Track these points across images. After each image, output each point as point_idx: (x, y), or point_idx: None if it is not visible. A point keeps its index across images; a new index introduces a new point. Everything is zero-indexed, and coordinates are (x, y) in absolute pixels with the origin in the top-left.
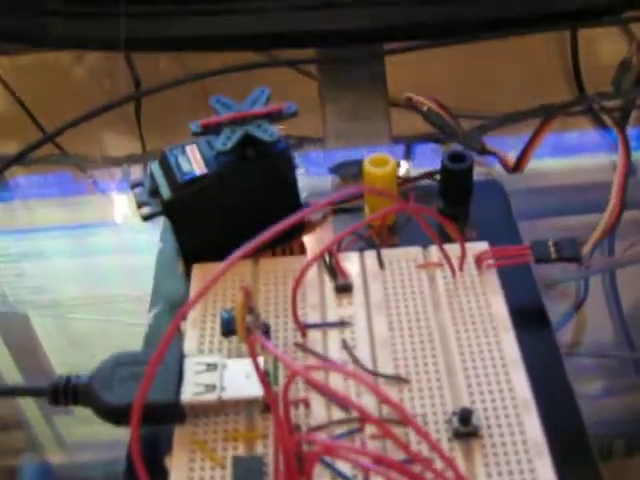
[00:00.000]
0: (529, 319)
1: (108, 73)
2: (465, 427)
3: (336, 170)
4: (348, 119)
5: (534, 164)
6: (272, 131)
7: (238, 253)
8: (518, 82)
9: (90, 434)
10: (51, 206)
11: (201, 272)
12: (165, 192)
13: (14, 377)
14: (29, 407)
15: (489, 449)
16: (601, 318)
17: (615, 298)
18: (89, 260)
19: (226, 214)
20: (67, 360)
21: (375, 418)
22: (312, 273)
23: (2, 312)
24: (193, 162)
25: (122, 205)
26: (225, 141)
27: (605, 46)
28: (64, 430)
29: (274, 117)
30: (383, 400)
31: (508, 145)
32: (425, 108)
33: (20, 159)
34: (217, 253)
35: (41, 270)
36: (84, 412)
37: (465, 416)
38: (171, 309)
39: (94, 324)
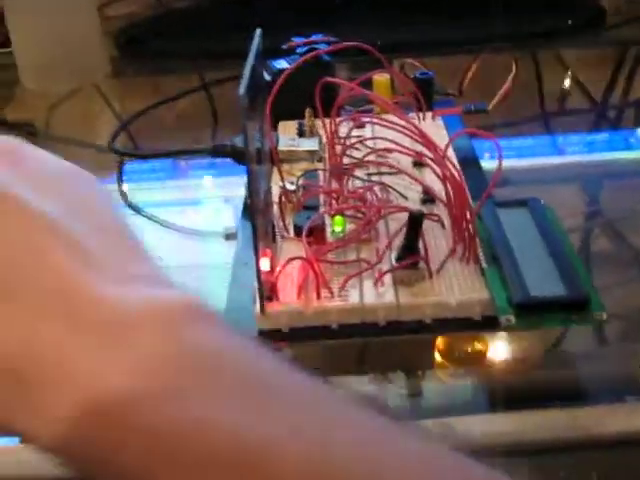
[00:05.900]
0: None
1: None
2: None
3: None
4: None
5: None
6: (326, 45)
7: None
8: None
9: None
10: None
11: (281, 124)
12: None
13: None
14: None
15: None
16: None
17: None
18: None
19: (294, 93)
20: None
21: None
22: None
23: None
24: (282, 63)
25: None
26: (299, 52)
27: None
28: None
29: (326, 42)
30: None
31: None
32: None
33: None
34: (288, 116)
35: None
36: None
37: None
38: None
39: None
